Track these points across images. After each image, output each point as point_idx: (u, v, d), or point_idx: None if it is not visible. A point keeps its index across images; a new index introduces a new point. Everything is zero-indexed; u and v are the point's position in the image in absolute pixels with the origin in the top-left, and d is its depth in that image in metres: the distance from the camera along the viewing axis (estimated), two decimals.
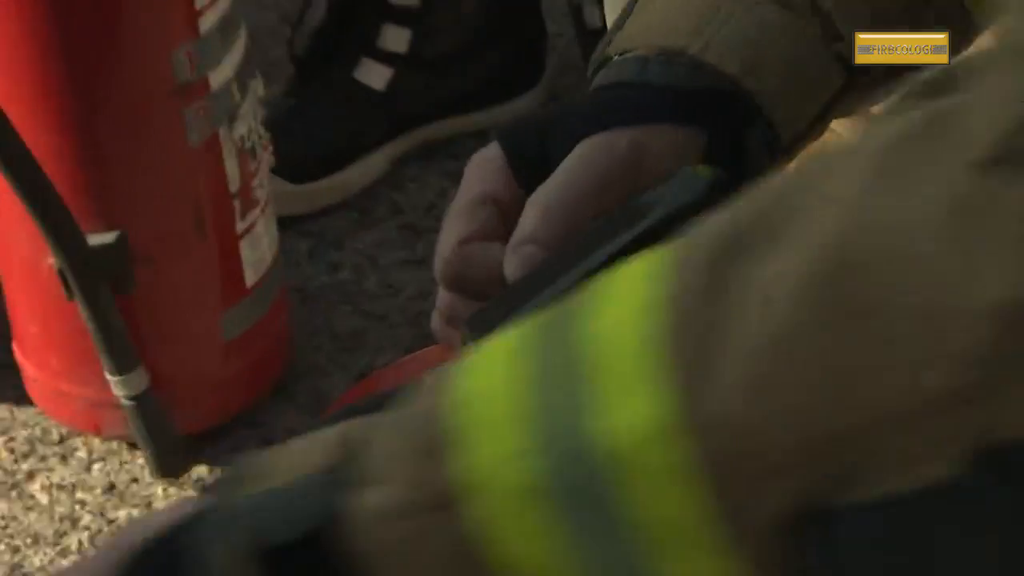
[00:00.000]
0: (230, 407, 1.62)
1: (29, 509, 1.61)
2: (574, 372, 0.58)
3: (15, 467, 1.65)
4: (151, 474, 1.61)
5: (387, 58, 1.81)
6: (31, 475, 1.64)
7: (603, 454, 0.56)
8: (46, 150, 1.41)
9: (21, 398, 1.68)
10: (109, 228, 1.48)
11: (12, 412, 1.68)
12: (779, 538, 0.53)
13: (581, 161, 0.77)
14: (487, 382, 0.60)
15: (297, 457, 0.63)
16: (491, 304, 0.71)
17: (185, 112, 1.47)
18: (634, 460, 0.56)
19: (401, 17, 1.81)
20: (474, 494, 0.60)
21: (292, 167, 1.73)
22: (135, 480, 1.64)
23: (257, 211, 1.55)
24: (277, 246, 1.61)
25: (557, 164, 0.77)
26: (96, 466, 1.64)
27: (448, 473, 0.60)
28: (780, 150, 0.80)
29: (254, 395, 1.64)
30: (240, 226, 1.55)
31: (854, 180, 0.54)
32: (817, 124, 0.82)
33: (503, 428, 0.59)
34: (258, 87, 1.54)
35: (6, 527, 1.59)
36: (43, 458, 1.65)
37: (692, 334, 0.54)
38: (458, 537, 0.60)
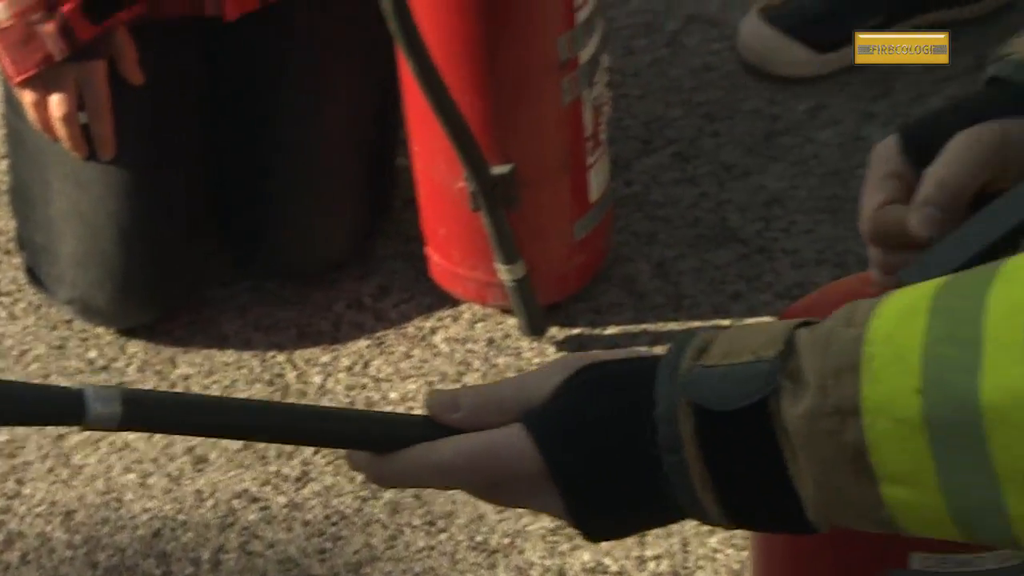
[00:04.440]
0: (572, 287, 2.08)
1: (435, 355, 2.04)
2: (969, 335, 0.62)
3: (423, 324, 2.09)
4: (521, 332, 2.01)
5: None
6: (433, 330, 2.07)
7: (983, 405, 0.60)
8: (466, 105, 1.85)
9: (422, 278, 2.13)
10: (504, 161, 1.94)
11: (413, 287, 2.13)
12: None
13: (960, 145, 0.85)
14: (899, 327, 0.65)
15: (751, 340, 0.71)
16: (922, 260, 0.81)
17: (562, 81, 1.93)
18: (1007, 415, 0.60)
19: None
20: (867, 414, 0.65)
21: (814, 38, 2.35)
22: (508, 336, 2.04)
23: (600, 149, 2.04)
24: (609, 172, 2.09)
25: (938, 149, 0.86)
26: (479, 325, 2.07)
27: (850, 392, 0.66)
28: None
29: (589, 278, 2.09)
30: (589, 160, 2.02)
31: None
32: None
33: (904, 368, 0.64)
34: (606, 60, 2.01)
35: (421, 367, 2.03)
36: (441, 319, 2.09)
37: None
38: (844, 440, 0.66)
